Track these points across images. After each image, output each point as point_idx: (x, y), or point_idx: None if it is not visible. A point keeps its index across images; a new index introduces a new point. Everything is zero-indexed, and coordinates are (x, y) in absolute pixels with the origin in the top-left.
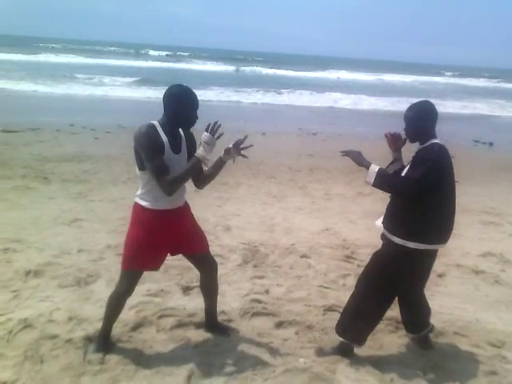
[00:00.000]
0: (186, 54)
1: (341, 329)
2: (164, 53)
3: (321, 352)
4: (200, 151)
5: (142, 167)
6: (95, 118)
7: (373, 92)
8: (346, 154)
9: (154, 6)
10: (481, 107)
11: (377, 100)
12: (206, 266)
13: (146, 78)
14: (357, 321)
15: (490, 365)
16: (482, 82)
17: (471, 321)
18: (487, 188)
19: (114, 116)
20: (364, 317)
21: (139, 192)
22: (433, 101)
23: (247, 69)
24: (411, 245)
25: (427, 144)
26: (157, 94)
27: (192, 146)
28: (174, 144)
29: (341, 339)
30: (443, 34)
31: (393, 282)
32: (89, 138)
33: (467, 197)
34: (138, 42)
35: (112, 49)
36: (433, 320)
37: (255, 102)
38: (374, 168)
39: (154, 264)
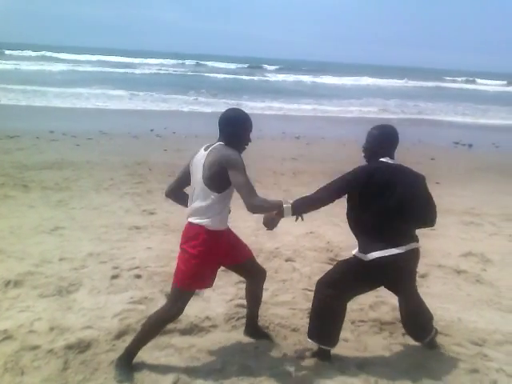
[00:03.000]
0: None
1: (309, 332)
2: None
3: (306, 355)
4: (286, 206)
5: (220, 189)
6: (76, 124)
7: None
8: None
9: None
10: (469, 113)
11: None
12: (256, 271)
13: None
14: (323, 322)
15: (471, 363)
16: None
17: (453, 320)
18: (467, 188)
19: (95, 123)
20: (329, 318)
21: (205, 215)
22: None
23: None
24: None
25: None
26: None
27: None
28: None
29: (310, 341)
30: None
31: (355, 286)
32: (70, 145)
33: (448, 197)
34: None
35: (122, 58)
36: None
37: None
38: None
39: (212, 282)
